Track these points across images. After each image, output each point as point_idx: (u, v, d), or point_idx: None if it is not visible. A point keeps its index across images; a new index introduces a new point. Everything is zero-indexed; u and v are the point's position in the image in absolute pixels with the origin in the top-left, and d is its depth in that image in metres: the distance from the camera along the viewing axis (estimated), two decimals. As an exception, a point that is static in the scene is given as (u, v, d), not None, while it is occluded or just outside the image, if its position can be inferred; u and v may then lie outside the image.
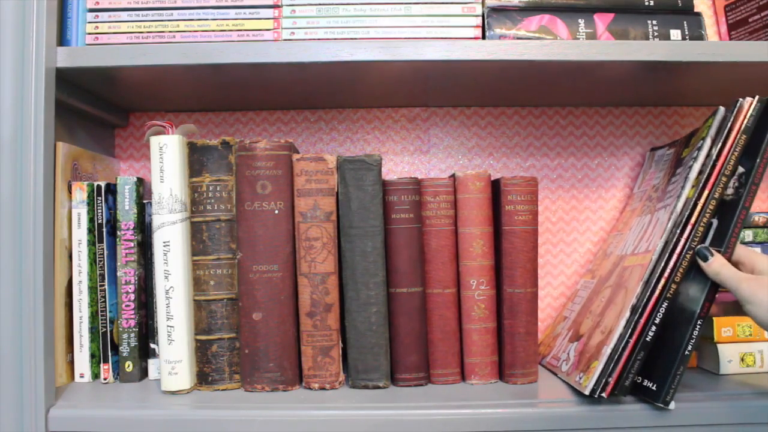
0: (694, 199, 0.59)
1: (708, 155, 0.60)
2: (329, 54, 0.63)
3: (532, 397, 0.61)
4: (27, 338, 0.58)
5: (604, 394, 0.57)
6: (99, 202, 0.67)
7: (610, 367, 0.57)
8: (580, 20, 0.69)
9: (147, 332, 0.69)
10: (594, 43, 0.64)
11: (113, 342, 0.68)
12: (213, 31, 0.66)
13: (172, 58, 0.62)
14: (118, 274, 0.67)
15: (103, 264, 0.67)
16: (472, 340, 0.66)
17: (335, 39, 0.66)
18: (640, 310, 0.58)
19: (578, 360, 0.64)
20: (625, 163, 0.89)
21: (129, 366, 0.67)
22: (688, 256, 0.59)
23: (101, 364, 0.68)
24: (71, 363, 0.68)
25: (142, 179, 0.68)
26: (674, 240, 0.59)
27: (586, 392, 0.58)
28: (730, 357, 0.69)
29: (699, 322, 0.57)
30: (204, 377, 0.65)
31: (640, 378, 0.60)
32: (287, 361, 0.65)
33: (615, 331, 0.58)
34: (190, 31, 0.66)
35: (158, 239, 0.63)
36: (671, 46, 0.64)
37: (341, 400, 0.61)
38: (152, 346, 0.69)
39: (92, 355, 0.68)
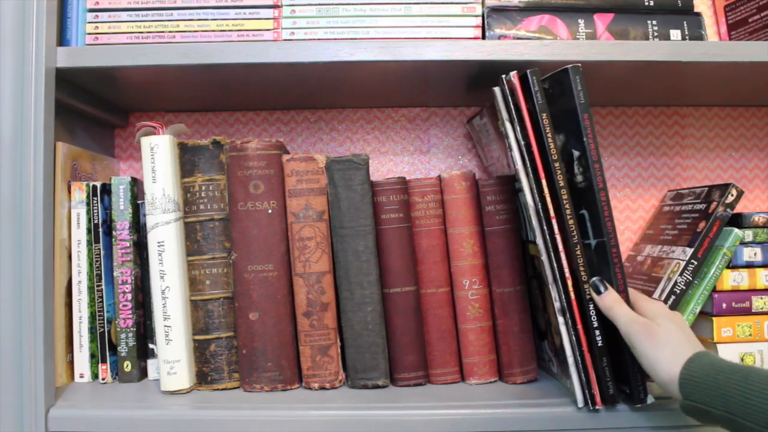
0: (536, 189, 0.57)
1: (517, 141, 0.58)
2: (329, 54, 0.63)
3: (531, 397, 0.61)
4: (27, 338, 0.58)
5: (597, 405, 0.57)
6: (95, 202, 0.67)
7: (584, 379, 0.57)
8: (580, 20, 0.69)
9: (145, 332, 0.69)
10: (594, 43, 0.64)
11: (111, 342, 0.68)
12: (213, 31, 0.66)
13: (172, 58, 0.62)
14: (115, 274, 0.67)
15: (100, 264, 0.67)
16: (469, 340, 0.66)
17: (335, 39, 0.66)
18: (568, 312, 0.57)
19: (558, 362, 0.64)
20: (625, 164, 0.89)
21: (128, 366, 0.67)
22: (577, 251, 0.57)
23: (100, 364, 0.68)
24: (71, 363, 0.68)
25: (136, 179, 0.68)
26: (550, 237, 0.57)
27: (579, 405, 0.57)
28: (730, 357, 0.69)
29: None
30: (203, 377, 0.65)
31: (621, 385, 0.59)
32: (285, 360, 0.65)
33: (564, 339, 0.57)
34: (190, 31, 0.66)
35: (152, 239, 0.63)
36: (671, 46, 0.63)
37: (341, 399, 0.61)
38: (151, 346, 0.69)
39: (92, 355, 0.68)
